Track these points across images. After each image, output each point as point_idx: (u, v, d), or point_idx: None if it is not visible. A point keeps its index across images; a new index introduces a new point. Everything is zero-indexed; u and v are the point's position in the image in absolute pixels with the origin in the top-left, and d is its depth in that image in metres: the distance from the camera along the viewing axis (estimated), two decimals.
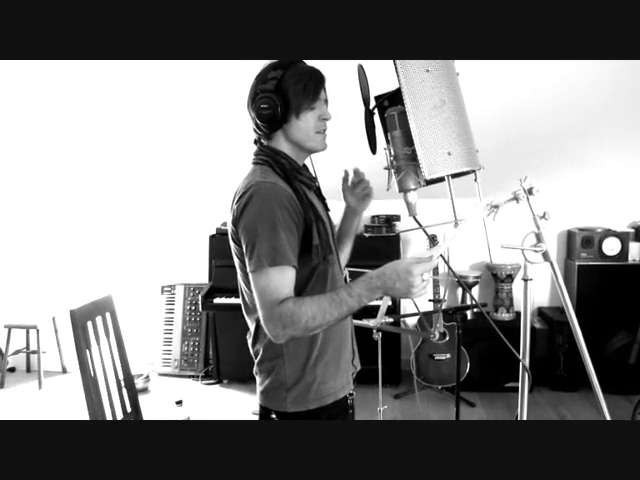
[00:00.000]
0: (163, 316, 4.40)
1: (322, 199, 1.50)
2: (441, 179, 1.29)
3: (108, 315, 2.35)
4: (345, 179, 1.56)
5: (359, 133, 1.45)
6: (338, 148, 1.95)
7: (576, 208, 4.01)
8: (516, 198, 1.46)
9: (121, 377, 2.34)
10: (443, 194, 1.32)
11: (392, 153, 1.34)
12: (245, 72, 1.45)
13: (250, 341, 1.45)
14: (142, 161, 3.99)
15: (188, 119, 3.50)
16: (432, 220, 1.50)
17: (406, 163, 1.31)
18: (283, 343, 1.29)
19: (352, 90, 1.46)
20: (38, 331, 4.15)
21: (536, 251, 1.51)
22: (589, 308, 3.68)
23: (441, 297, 3.83)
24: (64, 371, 4.42)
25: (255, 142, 1.45)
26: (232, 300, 3.77)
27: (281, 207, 1.26)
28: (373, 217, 4.01)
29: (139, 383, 3.89)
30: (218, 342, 4.09)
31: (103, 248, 4.46)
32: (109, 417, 2.23)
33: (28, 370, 4.53)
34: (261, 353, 1.40)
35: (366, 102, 1.40)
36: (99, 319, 2.28)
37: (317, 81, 1.35)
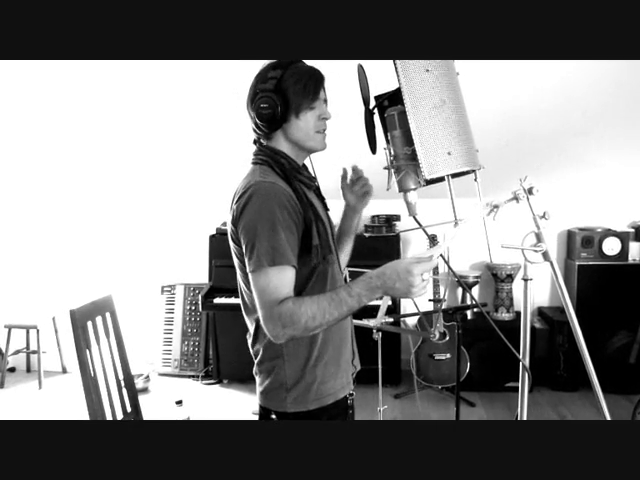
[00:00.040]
0: (163, 316, 4.40)
1: (322, 199, 1.50)
2: (441, 179, 1.29)
3: (108, 315, 2.35)
4: (344, 177, 1.56)
5: (359, 133, 1.45)
6: (338, 148, 1.95)
7: (576, 208, 4.01)
8: (516, 198, 1.46)
9: (121, 377, 2.34)
10: (443, 194, 1.32)
11: (392, 153, 1.34)
12: (245, 72, 1.45)
13: (250, 341, 1.44)
14: (142, 161, 3.99)
15: (188, 119, 3.50)
16: (432, 220, 1.50)
17: (406, 163, 1.31)
18: (283, 343, 1.29)
19: (352, 90, 1.46)
20: (38, 331, 4.15)
21: (536, 251, 1.51)
22: (589, 308, 3.68)
23: (441, 297, 3.83)
24: (64, 371, 4.42)
25: (255, 142, 1.45)
26: (232, 300, 3.77)
27: (281, 207, 1.26)
28: (373, 217, 4.01)
29: (139, 383, 3.89)
30: (218, 342, 4.09)
31: (103, 248, 4.45)
32: (109, 417, 2.23)
33: (28, 370, 4.52)
34: (261, 353, 1.40)
35: (366, 102, 1.40)
36: (99, 319, 2.28)
37: (317, 81, 1.35)
